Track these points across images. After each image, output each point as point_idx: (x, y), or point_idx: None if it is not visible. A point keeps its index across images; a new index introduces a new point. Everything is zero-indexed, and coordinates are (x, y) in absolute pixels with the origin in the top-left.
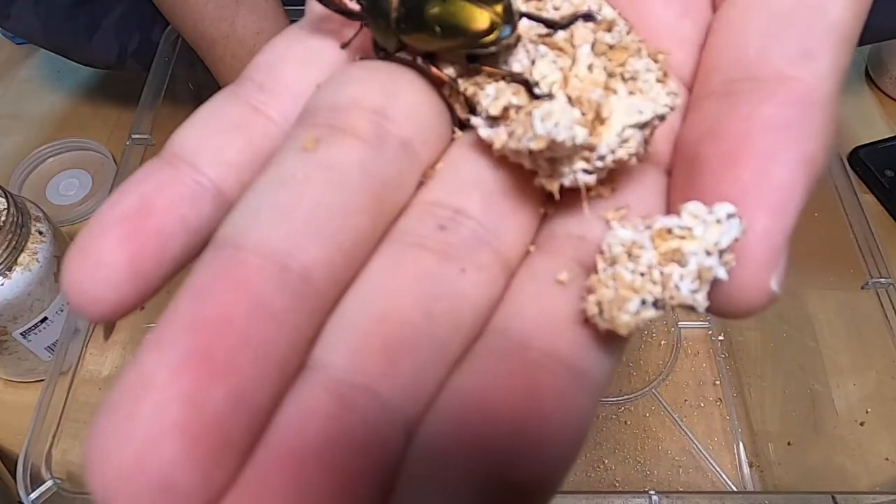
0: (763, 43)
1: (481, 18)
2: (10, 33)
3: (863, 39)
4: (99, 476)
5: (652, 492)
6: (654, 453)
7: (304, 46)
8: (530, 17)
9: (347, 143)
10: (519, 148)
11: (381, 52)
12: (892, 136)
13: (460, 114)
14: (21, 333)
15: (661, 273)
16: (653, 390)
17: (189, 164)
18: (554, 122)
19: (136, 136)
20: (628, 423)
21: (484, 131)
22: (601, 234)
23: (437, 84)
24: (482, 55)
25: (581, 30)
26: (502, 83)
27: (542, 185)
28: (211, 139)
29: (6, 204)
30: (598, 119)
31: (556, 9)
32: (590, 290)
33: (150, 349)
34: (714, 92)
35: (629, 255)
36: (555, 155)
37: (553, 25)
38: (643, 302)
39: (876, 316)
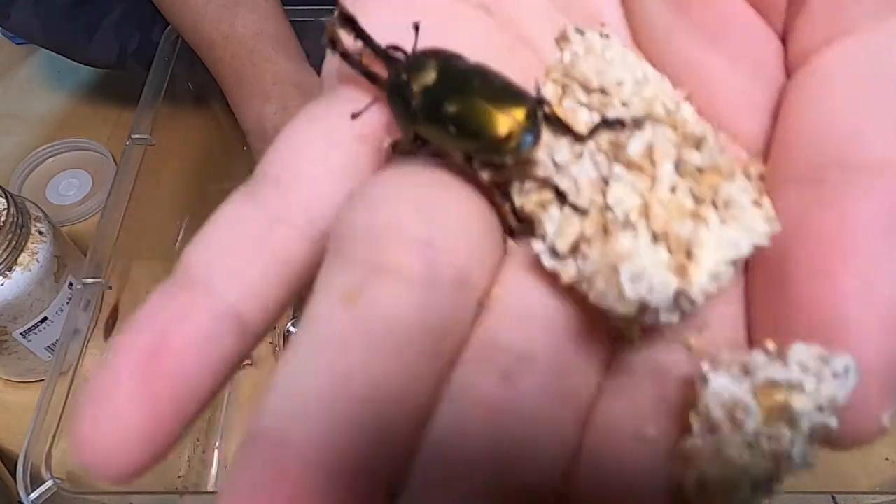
0: (854, 120)
1: (499, 124)
2: (10, 33)
3: None
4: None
5: None
6: None
7: (323, 132)
8: (560, 123)
9: (395, 290)
10: (599, 304)
11: (416, 143)
12: None
13: (511, 223)
14: (21, 333)
15: (769, 439)
16: None
17: (205, 287)
18: (647, 284)
19: (136, 136)
20: None
21: (548, 262)
22: (682, 362)
23: (481, 186)
24: (508, 165)
25: (662, 141)
26: (566, 209)
27: (618, 326)
28: (227, 256)
29: (6, 204)
30: (688, 256)
31: (624, 104)
32: (685, 457)
33: None
34: (799, 177)
35: (732, 419)
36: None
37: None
38: (754, 486)
39: None
